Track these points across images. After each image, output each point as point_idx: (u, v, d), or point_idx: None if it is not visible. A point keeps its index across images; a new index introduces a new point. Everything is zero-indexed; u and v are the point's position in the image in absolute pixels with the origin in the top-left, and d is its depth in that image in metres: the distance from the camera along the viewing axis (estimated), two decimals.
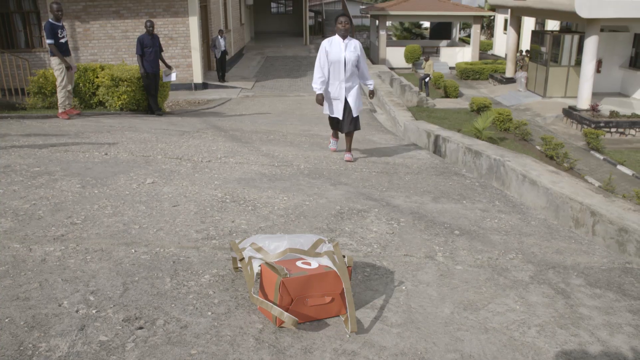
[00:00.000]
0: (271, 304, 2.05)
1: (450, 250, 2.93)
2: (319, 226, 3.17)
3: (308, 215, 3.37)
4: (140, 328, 2.02)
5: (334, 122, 5.37)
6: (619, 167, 11.75)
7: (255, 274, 2.21)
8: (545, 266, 2.80)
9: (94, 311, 2.11)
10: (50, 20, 7.52)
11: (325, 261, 2.19)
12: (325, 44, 5.10)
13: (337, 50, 5.00)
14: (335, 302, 2.14)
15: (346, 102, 5.12)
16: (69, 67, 7.64)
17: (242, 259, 2.31)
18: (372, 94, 5.35)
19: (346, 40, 5.03)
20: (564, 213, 3.46)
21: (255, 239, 2.35)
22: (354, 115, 5.19)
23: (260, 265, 2.19)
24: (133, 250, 2.69)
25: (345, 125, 5.20)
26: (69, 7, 14.54)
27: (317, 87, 5.07)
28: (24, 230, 2.90)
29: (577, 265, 2.84)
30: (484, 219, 3.49)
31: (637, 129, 14.51)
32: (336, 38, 5.07)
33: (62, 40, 7.60)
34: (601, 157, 12.56)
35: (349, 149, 5.33)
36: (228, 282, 2.40)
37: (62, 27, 7.63)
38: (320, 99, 5.09)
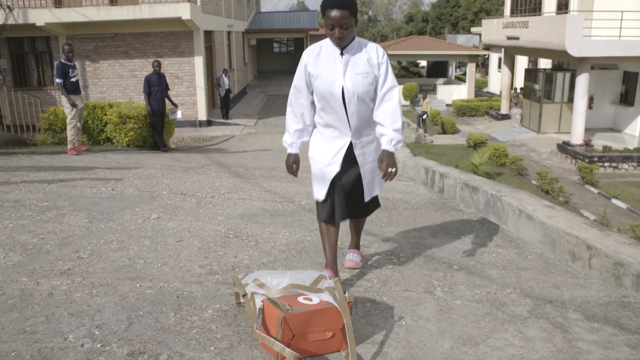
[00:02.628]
0: (273, 339, 2.09)
1: (449, 285, 2.97)
2: (321, 262, 3.22)
3: (309, 250, 3.43)
4: None
5: (326, 211, 2.76)
6: (614, 200, 11.84)
7: (257, 310, 2.25)
8: (542, 300, 2.84)
9: (98, 345, 2.14)
10: (62, 60, 7.76)
11: (327, 297, 2.24)
12: (308, 56, 2.63)
13: (328, 72, 2.59)
14: (336, 337, 2.17)
15: (354, 171, 2.74)
16: (74, 105, 7.83)
17: (244, 295, 2.36)
18: (389, 162, 2.52)
19: (348, 52, 2.57)
20: (560, 247, 3.51)
21: (257, 275, 2.40)
22: (368, 198, 2.83)
23: (262, 301, 2.23)
24: (138, 285, 2.74)
25: (338, 213, 2.74)
26: (80, 47, 14.99)
27: (287, 141, 2.78)
28: (32, 264, 2.96)
29: (574, 299, 2.87)
30: (481, 254, 3.55)
31: (630, 163, 14.71)
32: (327, 45, 2.61)
33: (73, 79, 7.83)
34: (596, 191, 12.66)
35: (354, 245, 3.13)
36: (231, 317, 2.44)
37: (74, 67, 7.87)
38: (291, 165, 2.77)
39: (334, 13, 2.45)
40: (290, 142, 2.79)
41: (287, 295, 2.26)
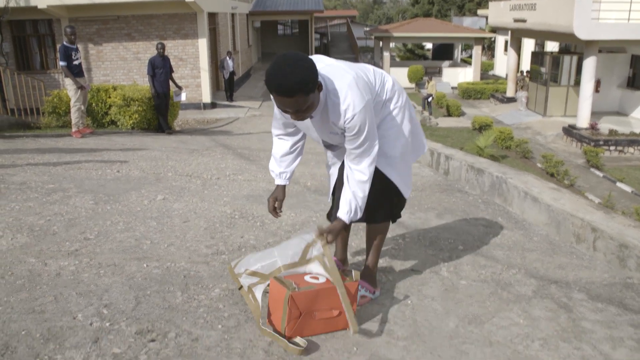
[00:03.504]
0: (278, 335, 2.09)
1: (455, 266, 2.98)
2: None
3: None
4: (153, 341, 2.07)
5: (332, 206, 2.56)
6: (619, 184, 11.81)
7: (259, 302, 2.18)
8: (547, 281, 2.85)
9: (107, 324, 2.17)
10: (64, 43, 7.72)
11: (316, 267, 2.20)
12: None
13: (305, 121, 2.19)
14: (343, 315, 2.19)
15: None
16: (81, 87, 7.82)
17: (240, 287, 2.31)
18: (334, 235, 2.20)
19: (315, 114, 2.09)
20: (565, 229, 3.51)
21: (247, 264, 2.33)
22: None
23: (269, 281, 2.23)
24: (145, 265, 2.76)
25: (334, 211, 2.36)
26: (83, 30, 14.90)
27: (275, 170, 2.40)
28: (39, 245, 2.98)
29: (579, 280, 2.88)
30: (487, 235, 3.55)
31: (636, 147, 14.64)
32: None
33: (76, 62, 7.79)
34: (601, 175, 12.62)
35: (364, 269, 2.52)
36: (237, 296, 2.46)
37: (76, 50, 7.83)
38: (272, 202, 2.38)
39: (281, 100, 1.90)
40: (278, 172, 2.37)
41: (294, 274, 2.26)
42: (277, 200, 2.38)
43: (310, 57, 1.97)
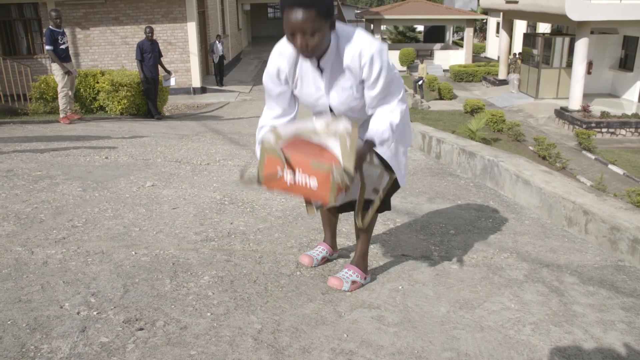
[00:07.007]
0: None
1: (446, 250, 2.97)
2: (316, 227, 3.21)
3: (305, 216, 3.41)
4: (141, 329, 2.04)
5: None
6: (610, 166, 11.87)
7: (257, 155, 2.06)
8: (539, 265, 2.84)
9: (94, 313, 2.13)
10: (50, 27, 7.58)
11: (334, 145, 1.87)
12: (281, 59, 2.05)
13: (308, 84, 2.06)
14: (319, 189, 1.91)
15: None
16: (68, 72, 7.68)
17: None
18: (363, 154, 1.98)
19: (326, 63, 1.96)
20: (557, 212, 3.51)
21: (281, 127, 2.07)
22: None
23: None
24: (133, 253, 2.72)
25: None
26: (70, 13, 14.64)
27: (261, 130, 2.21)
28: (26, 233, 2.93)
29: (570, 264, 2.88)
30: (478, 219, 3.54)
31: (628, 129, 14.69)
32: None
33: (63, 47, 7.66)
34: (593, 157, 12.68)
35: (356, 257, 2.45)
36: (227, 283, 2.43)
37: (63, 34, 7.69)
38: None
39: (294, 15, 1.75)
40: (260, 125, 2.18)
41: (305, 142, 2.01)
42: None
43: None
